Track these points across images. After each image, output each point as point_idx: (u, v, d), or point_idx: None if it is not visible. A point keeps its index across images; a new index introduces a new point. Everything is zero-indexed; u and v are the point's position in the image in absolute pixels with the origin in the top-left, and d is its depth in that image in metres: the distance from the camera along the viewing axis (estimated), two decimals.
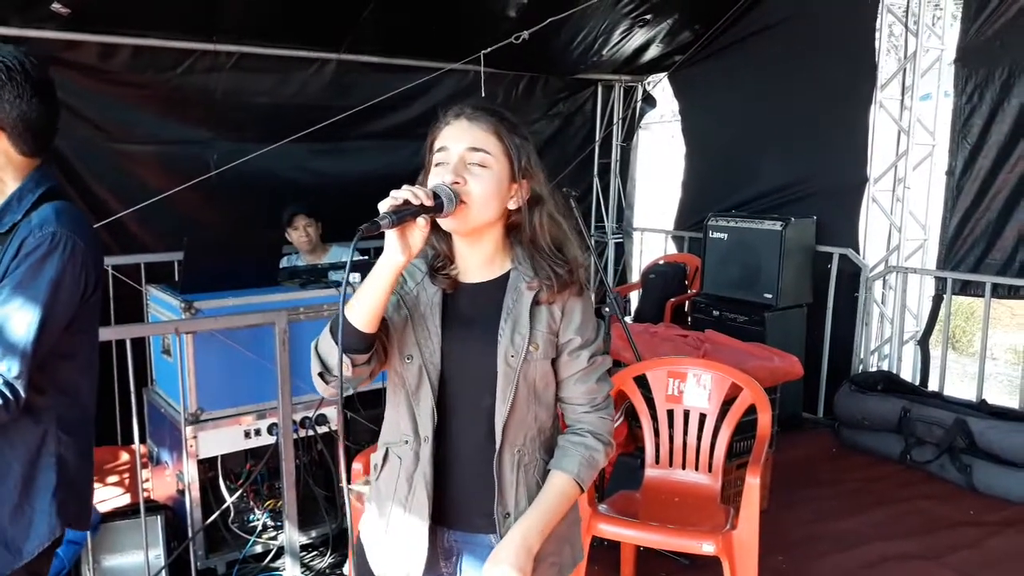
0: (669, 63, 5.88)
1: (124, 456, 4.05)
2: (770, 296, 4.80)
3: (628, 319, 5.91)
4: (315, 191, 4.76)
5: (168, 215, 4.17)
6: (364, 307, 1.38)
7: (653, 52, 5.64)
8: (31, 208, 1.57)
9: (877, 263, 5.04)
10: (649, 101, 6.35)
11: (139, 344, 3.30)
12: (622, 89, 6.26)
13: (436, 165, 1.45)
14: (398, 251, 1.34)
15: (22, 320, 1.49)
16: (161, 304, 3.30)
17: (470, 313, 1.50)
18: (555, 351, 1.50)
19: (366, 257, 4.45)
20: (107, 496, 3.63)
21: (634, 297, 6.15)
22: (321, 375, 1.44)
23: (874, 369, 5.02)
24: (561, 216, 1.52)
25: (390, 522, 1.54)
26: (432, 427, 1.47)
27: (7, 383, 1.48)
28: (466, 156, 1.43)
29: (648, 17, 5.06)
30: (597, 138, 6.26)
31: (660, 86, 6.25)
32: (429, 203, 1.34)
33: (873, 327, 5.06)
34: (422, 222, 1.35)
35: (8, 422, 1.52)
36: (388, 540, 1.54)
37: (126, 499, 3.60)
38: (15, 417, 1.51)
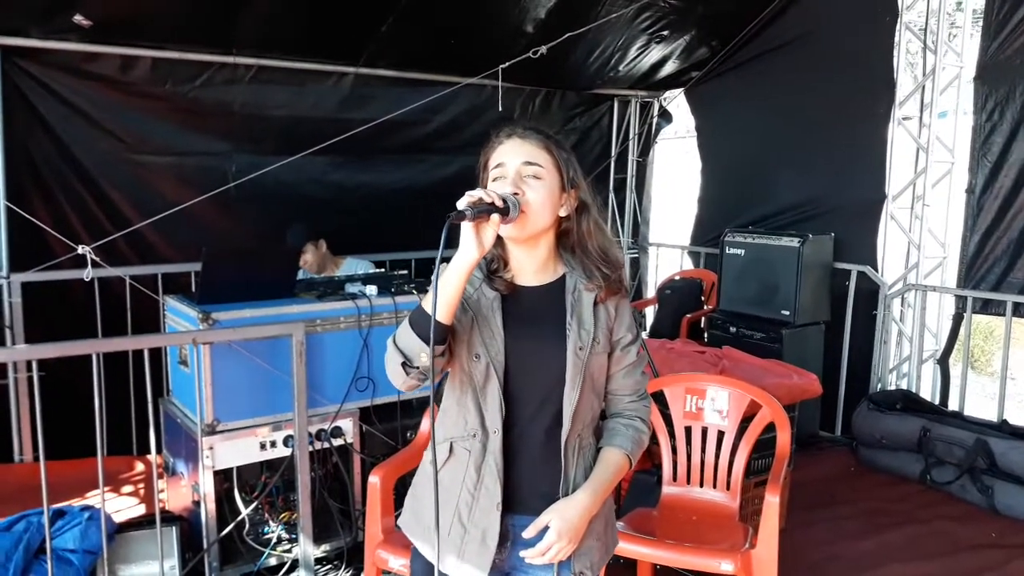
0: (686, 79, 5.88)
1: (139, 466, 4.04)
2: (788, 313, 4.77)
3: (644, 335, 5.89)
4: (332, 204, 4.78)
5: (186, 227, 4.17)
6: (445, 299, 1.49)
7: (670, 68, 5.65)
8: None
9: (896, 281, 5.01)
10: (665, 116, 6.35)
11: (155, 354, 3.30)
12: (638, 104, 6.26)
13: (494, 180, 1.60)
14: (473, 246, 1.47)
15: None
16: (178, 315, 3.30)
17: (532, 313, 1.64)
18: (610, 346, 1.66)
19: (381, 270, 4.47)
20: (122, 506, 3.62)
21: (649, 313, 6.13)
22: (404, 365, 1.54)
23: (893, 388, 4.97)
24: (602, 223, 1.67)
25: (457, 514, 1.63)
26: (501, 420, 1.60)
27: None
28: (522, 170, 1.58)
29: (665, 33, 5.06)
30: (613, 153, 6.26)
31: (676, 102, 6.25)
32: (500, 205, 1.48)
33: (892, 345, 5.01)
34: (495, 219, 1.48)
35: None
36: (454, 533, 1.63)
37: (141, 509, 3.59)
38: None
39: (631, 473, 3.53)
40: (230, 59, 4.29)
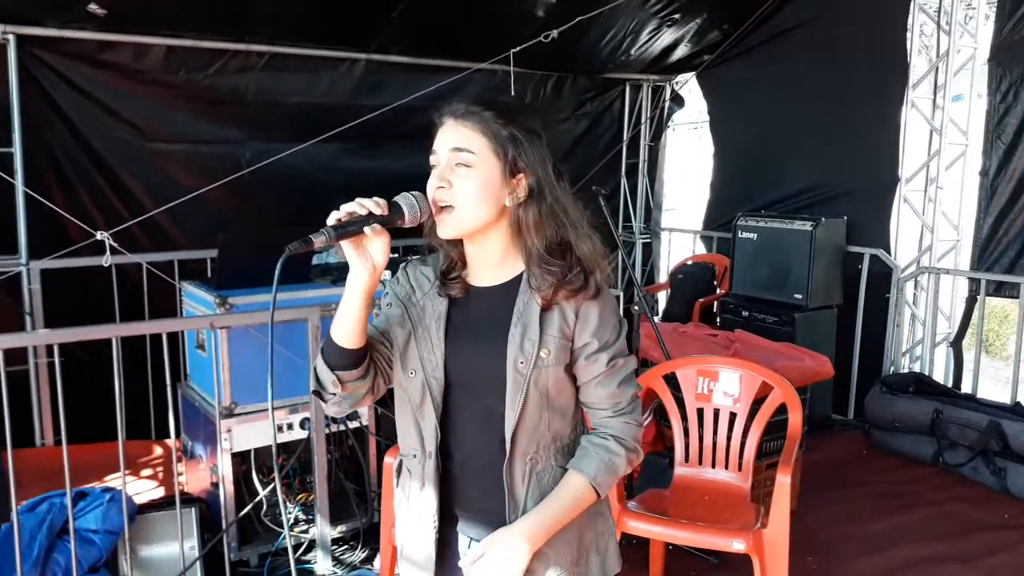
0: (698, 62, 5.86)
1: (158, 450, 4.11)
2: (800, 297, 4.77)
3: (656, 319, 5.90)
4: (345, 190, 4.78)
5: (201, 213, 4.21)
6: (342, 324, 1.37)
7: (681, 52, 5.63)
8: None
9: (909, 264, 4.99)
10: (677, 100, 6.33)
11: (173, 340, 3.34)
12: (650, 89, 6.25)
13: (431, 168, 1.43)
14: (357, 264, 1.34)
15: None
16: (195, 300, 3.35)
17: (479, 319, 1.46)
18: (569, 356, 1.44)
19: (394, 255, 4.49)
20: (142, 489, 3.69)
21: (662, 297, 6.14)
22: (317, 393, 1.44)
23: (905, 371, 4.96)
24: (569, 212, 1.45)
25: (406, 533, 1.55)
26: (436, 442, 1.45)
27: None
28: (451, 157, 1.40)
29: (676, 17, 5.05)
30: (625, 138, 6.25)
31: (688, 85, 6.23)
32: (380, 212, 1.33)
33: (905, 328, 5.01)
34: (369, 232, 1.32)
35: None
36: (408, 551, 1.55)
37: (161, 492, 3.65)
38: None
39: (643, 454, 3.57)
40: (243, 46, 4.32)
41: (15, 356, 3.79)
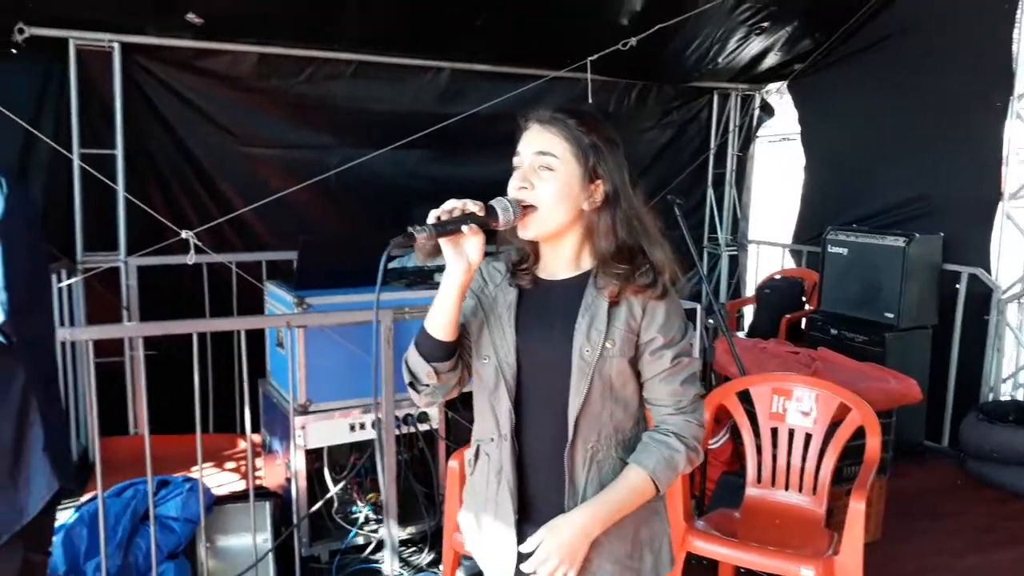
0: (788, 71, 5.70)
1: (242, 444, 4.24)
2: (892, 316, 4.56)
3: (741, 334, 5.76)
4: (427, 196, 4.85)
5: (290, 216, 4.39)
6: (438, 318, 1.46)
7: (771, 60, 5.49)
8: None
9: (1012, 284, 4.71)
10: (767, 110, 6.18)
11: (257, 337, 3.46)
12: (739, 98, 6.11)
13: (514, 169, 1.51)
14: (454, 261, 1.42)
15: None
16: (277, 299, 3.46)
17: (548, 309, 1.53)
18: (634, 350, 1.50)
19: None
20: (224, 481, 3.81)
21: (748, 312, 5.98)
22: (412, 385, 1.54)
23: (1006, 398, 4.69)
24: (643, 219, 1.52)
25: (481, 519, 1.60)
26: (511, 425, 1.52)
27: None
28: (535, 161, 1.48)
29: (766, 25, 4.92)
30: (712, 147, 6.13)
31: (778, 94, 6.07)
32: (478, 212, 1.41)
33: (1006, 353, 4.73)
34: (467, 231, 1.39)
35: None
36: (482, 537, 1.62)
37: (241, 485, 3.76)
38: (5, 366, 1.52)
39: (719, 474, 3.48)
40: (332, 54, 4.44)
41: (113, 348, 4.02)
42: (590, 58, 3.79)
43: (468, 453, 1.68)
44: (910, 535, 3.60)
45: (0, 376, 1.60)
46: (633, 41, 3.78)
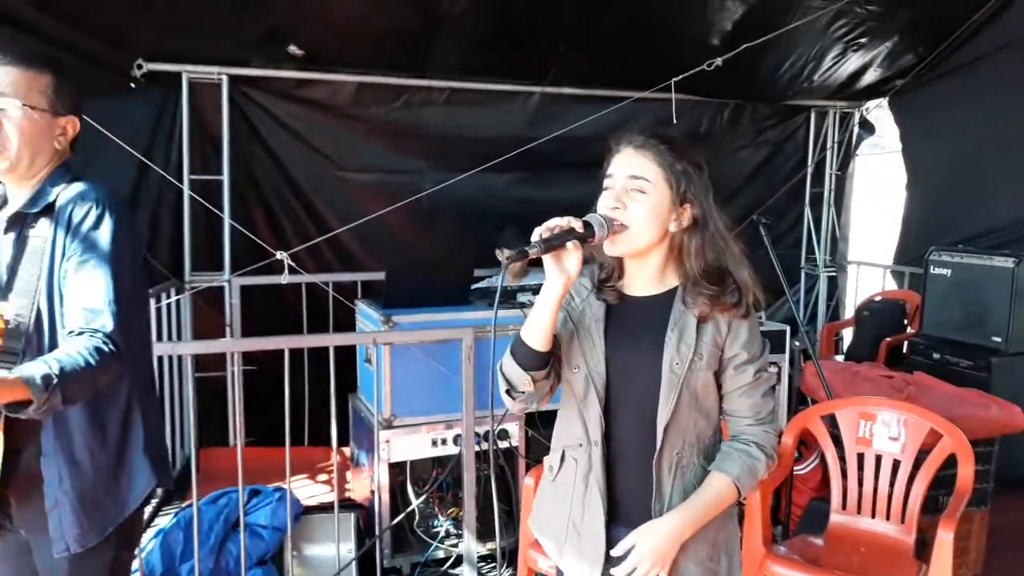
0: (888, 88, 5.51)
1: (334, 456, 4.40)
2: (999, 340, 4.32)
3: (839, 357, 5.57)
4: (515, 219, 4.93)
5: (385, 238, 4.57)
6: (535, 328, 1.54)
7: (871, 77, 5.32)
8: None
9: None
10: (866, 127, 5.97)
11: (349, 354, 3.59)
12: (837, 115, 5.94)
13: (604, 190, 1.60)
14: (555, 275, 1.50)
15: (98, 281, 1.62)
16: (366, 317, 3.59)
17: (637, 324, 1.62)
18: (718, 364, 1.60)
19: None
20: (315, 492, 3.95)
21: (847, 335, 5.78)
22: (508, 392, 1.61)
23: None
24: (728, 241, 1.61)
25: (571, 520, 1.66)
26: (601, 432, 1.60)
27: (108, 337, 1.59)
28: (628, 184, 1.57)
29: (863, 41, 4.78)
30: (809, 166, 5.98)
31: (878, 111, 5.87)
32: (579, 229, 1.49)
33: None
34: (570, 247, 1.48)
35: (114, 379, 1.64)
36: (571, 537, 1.66)
37: (330, 496, 3.90)
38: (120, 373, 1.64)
39: (806, 500, 3.39)
40: (425, 82, 4.59)
41: (216, 364, 4.24)
42: (674, 79, 3.78)
43: (550, 459, 1.74)
44: (1014, 569, 3.39)
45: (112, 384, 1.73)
46: (719, 61, 3.75)
